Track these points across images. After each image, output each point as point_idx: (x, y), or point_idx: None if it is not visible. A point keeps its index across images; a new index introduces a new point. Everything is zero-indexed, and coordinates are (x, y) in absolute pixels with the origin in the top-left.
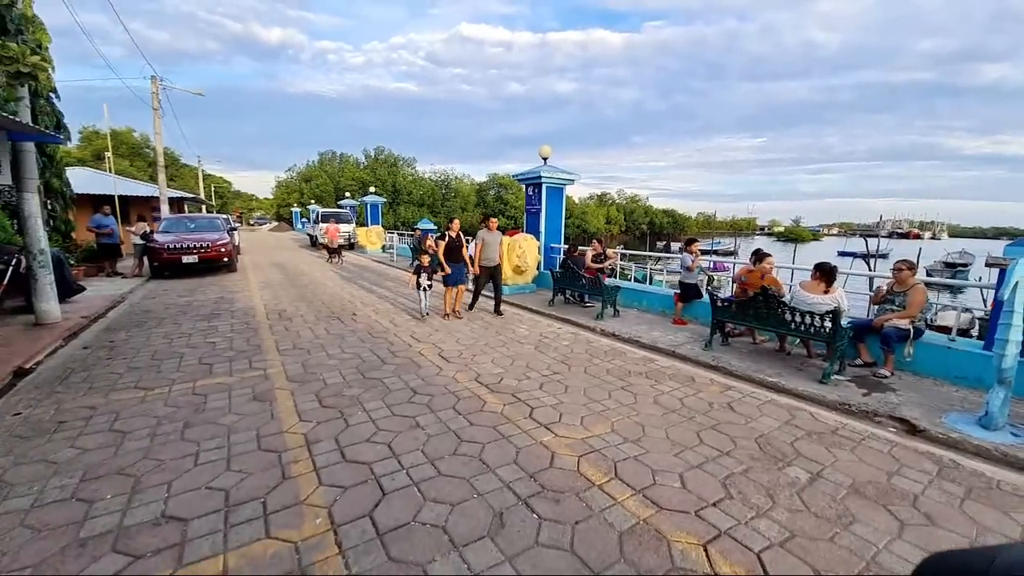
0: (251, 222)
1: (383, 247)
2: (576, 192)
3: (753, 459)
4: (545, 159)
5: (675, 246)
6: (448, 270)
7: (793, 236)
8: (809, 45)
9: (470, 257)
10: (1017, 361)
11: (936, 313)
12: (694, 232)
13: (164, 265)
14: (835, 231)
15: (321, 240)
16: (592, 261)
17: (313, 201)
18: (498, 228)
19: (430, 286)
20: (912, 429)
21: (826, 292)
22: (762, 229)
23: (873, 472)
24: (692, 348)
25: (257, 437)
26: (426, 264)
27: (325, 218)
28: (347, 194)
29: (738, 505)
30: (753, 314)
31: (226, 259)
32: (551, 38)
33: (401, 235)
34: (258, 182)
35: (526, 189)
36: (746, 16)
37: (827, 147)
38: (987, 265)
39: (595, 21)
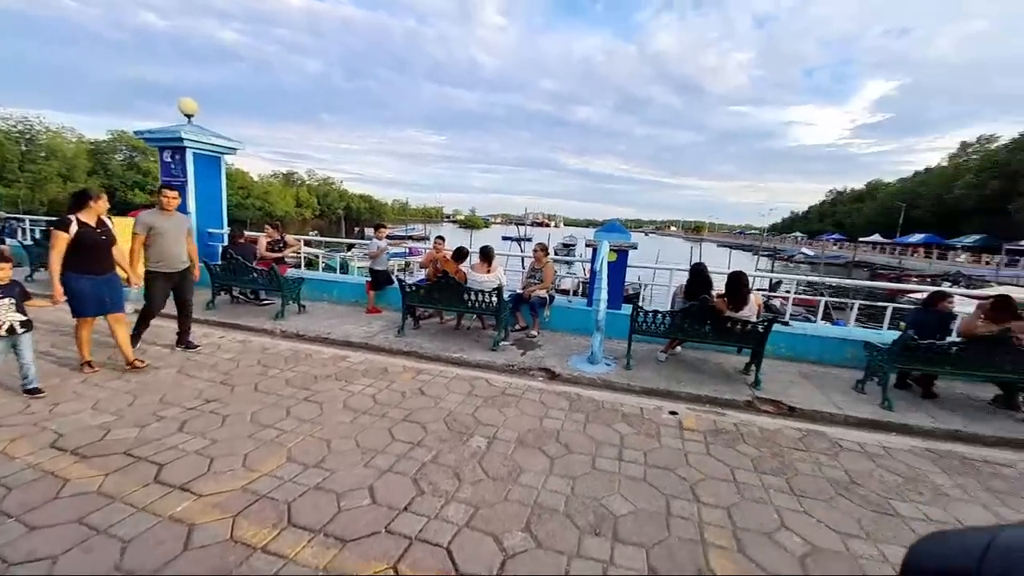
0: None
1: None
2: (256, 167)
3: (442, 441)
4: (189, 116)
5: (370, 231)
6: (60, 294)
7: (471, 224)
8: (475, 63)
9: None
10: (606, 313)
11: (559, 281)
12: (391, 219)
13: None
14: (499, 220)
15: None
16: (267, 250)
17: None
18: (126, 210)
19: (25, 325)
20: (552, 375)
21: (488, 271)
22: (448, 217)
23: (531, 421)
24: (386, 337)
25: None
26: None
27: None
28: None
29: (429, 499)
30: (438, 296)
31: None
32: None
33: None
34: None
35: (162, 155)
36: (425, 20)
37: (491, 151)
38: (587, 246)
39: None
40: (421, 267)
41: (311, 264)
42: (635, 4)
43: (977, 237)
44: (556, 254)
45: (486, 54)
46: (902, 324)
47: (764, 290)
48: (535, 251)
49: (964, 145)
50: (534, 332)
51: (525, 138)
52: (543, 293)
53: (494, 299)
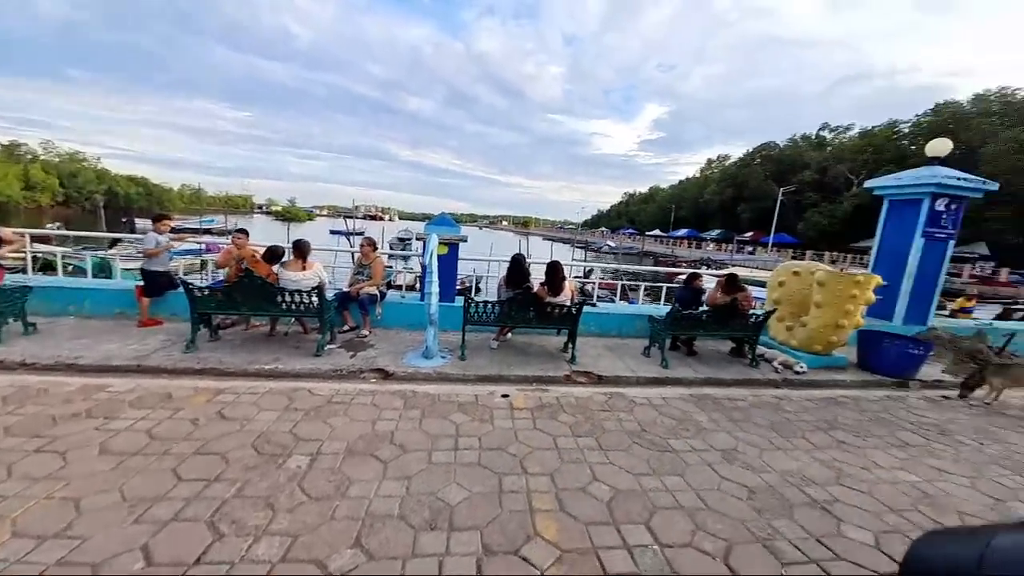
0: None
1: None
2: None
3: (249, 469)
4: None
5: (144, 224)
6: None
7: (290, 216)
8: (287, 33)
9: None
10: (440, 306)
11: (396, 275)
12: (180, 208)
13: None
14: (325, 212)
15: None
16: None
17: None
18: None
19: None
20: (386, 375)
21: (304, 268)
22: (260, 207)
23: (362, 427)
24: (169, 354)
25: None
26: None
27: None
28: None
29: (231, 542)
30: (242, 299)
31: None
32: None
33: None
34: None
35: None
36: None
37: (312, 135)
38: (417, 239)
39: None
40: (218, 267)
41: (49, 267)
42: (460, 2)
43: (719, 231)
44: (391, 249)
45: (300, 24)
46: (673, 299)
47: (580, 277)
48: (362, 246)
49: (709, 161)
50: (365, 332)
51: (352, 124)
52: (373, 290)
53: (315, 299)
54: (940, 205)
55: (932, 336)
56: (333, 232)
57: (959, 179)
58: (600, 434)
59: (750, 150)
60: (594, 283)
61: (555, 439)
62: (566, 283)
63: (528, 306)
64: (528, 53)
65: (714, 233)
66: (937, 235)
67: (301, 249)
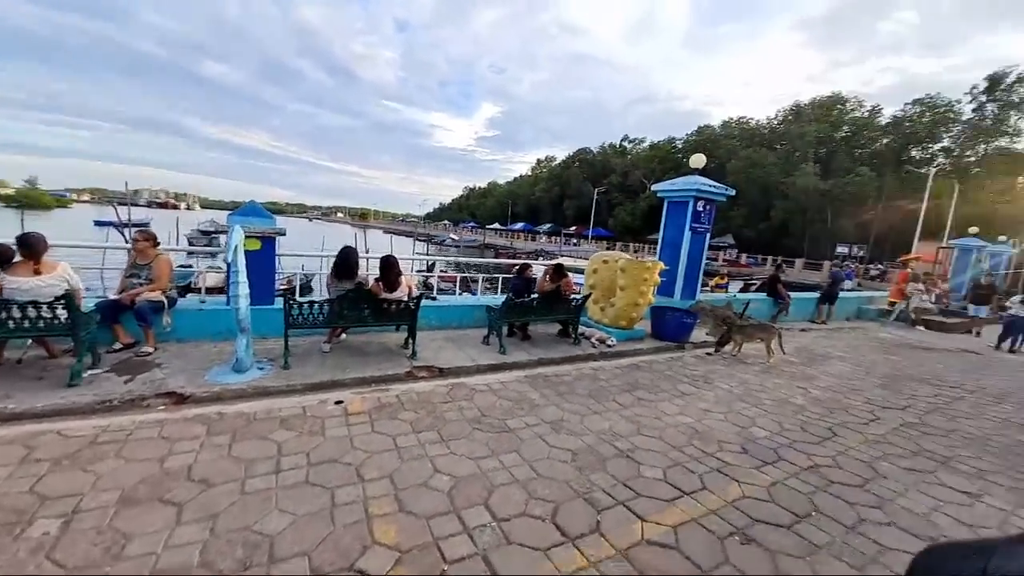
0: None
1: None
2: None
3: None
4: None
5: None
6: None
7: (28, 201)
8: None
9: None
10: (250, 310)
11: (198, 276)
12: None
13: None
14: (88, 197)
15: None
16: None
17: None
18: None
19: None
20: (180, 399)
21: (39, 272)
22: None
23: (144, 467)
24: None
25: None
26: None
27: None
28: None
29: None
30: None
31: None
32: None
33: None
34: None
35: None
36: None
37: (56, 94)
38: (218, 232)
39: None
40: None
41: None
42: None
43: (549, 225)
44: (192, 243)
45: None
46: (508, 289)
47: (424, 271)
48: (135, 241)
49: (538, 161)
50: (148, 348)
51: (132, 90)
52: (156, 295)
53: (62, 312)
54: (700, 206)
55: (698, 307)
56: (99, 223)
57: (711, 186)
58: (442, 426)
59: (571, 154)
60: (436, 276)
61: (395, 439)
62: (402, 278)
63: (362, 303)
64: (357, 32)
65: (545, 227)
66: (699, 229)
67: (31, 246)
